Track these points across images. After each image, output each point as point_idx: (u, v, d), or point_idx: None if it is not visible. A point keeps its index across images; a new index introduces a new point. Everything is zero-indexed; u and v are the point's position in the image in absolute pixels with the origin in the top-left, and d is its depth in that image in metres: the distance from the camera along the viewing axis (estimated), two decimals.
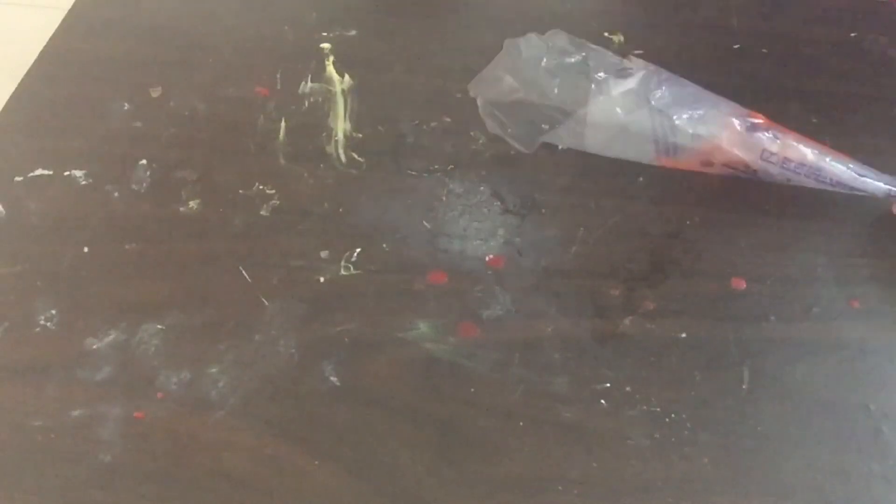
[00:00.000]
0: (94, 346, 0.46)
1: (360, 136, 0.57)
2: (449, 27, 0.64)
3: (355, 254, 0.51)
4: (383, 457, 0.43)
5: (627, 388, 0.46)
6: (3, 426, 0.44)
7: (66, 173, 0.54)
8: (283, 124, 0.57)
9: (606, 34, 0.64)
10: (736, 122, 0.52)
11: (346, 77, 0.60)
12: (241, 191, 0.54)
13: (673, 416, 0.45)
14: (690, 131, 0.52)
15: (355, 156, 0.56)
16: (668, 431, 0.45)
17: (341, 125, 0.57)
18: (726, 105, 0.54)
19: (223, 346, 0.47)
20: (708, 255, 0.52)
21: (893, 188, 0.52)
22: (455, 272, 0.50)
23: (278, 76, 0.60)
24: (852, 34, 0.64)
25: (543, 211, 0.54)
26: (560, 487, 0.43)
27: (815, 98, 0.59)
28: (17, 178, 0.53)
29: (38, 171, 0.54)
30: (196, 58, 0.61)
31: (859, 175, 0.52)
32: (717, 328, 0.48)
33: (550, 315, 0.49)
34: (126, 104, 0.58)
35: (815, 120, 0.58)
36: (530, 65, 0.54)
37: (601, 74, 0.54)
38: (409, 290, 0.49)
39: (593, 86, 0.53)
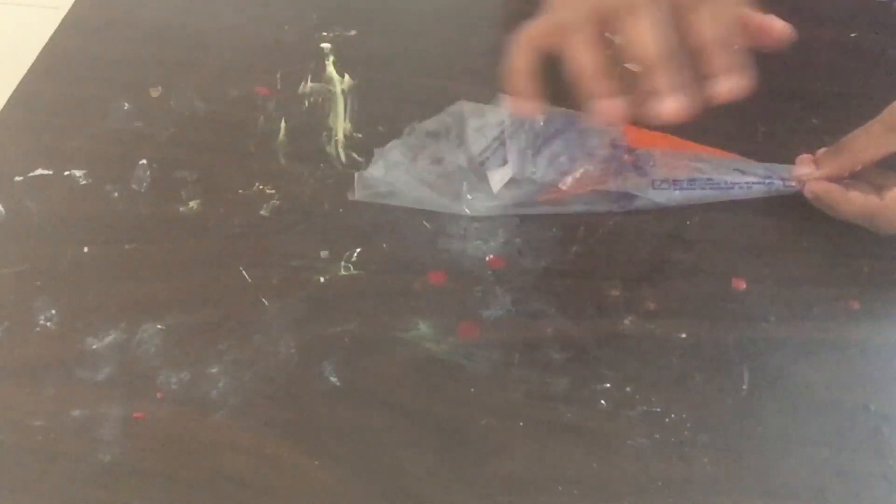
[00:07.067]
0: (94, 346, 0.46)
1: (360, 136, 0.57)
2: (449, 27, 0.64)
3: (355, 254, 0.51)
4: (383, 457, 0.43)
5: (627, 389, 0.46)
6: (3, 426, 0.44)
7: (66, 173, 0.54)
8: (283, 124, 0.57)
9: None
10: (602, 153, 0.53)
11: (346, 77, 0.60)
12: (241, 191, 0.54)
13: (673, 416, 0.45)
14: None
15: (355, 156, 0.56)
16: (668, 432, 0.45)
17: (341, 125, 0.57)
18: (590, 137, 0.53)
19: (223, 346, 0.47)
20: (708, 255, 0.52)
21: (775, 178, 0.52)
22: (455, 272, 0.50)
23: (278, 76, 0.60)
24: (852, 34, 0.64)
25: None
26: (560, 487, 0.43)
27: (814, 98, 0.59)
28: (17, 178, 0.53)
29: (38, 171, 0.54)
30: (196, 58, 0.61)
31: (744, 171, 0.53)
32: (717, 328, 0.48)
33: (550, 315, 0.49)
34: (126, 104, 0.58)
35: (814, 120, 0.57)
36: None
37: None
38: (409, 290, 0.49)
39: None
